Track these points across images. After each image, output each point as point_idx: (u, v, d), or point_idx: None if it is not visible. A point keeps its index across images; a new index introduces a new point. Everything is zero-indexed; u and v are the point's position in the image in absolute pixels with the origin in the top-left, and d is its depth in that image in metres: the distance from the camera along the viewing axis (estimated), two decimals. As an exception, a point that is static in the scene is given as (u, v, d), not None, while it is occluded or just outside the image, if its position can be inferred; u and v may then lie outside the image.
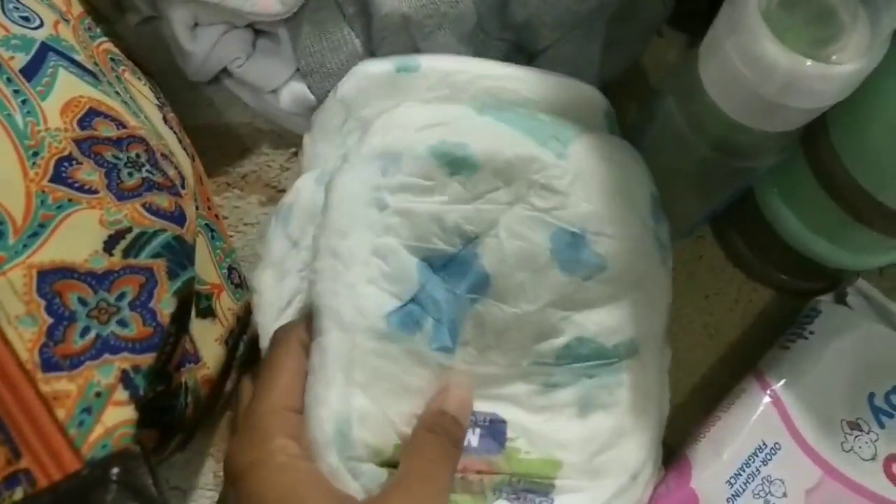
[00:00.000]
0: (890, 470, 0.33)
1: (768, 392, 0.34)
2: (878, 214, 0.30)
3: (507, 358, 0.30)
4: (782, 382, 0.34)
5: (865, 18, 0.25)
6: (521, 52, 0.36)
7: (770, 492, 0.32)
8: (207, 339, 0.30)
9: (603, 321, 0.30)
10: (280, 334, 0.29)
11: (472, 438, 0.29)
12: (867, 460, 0.33)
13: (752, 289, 0.40)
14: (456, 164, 0.29)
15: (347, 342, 0.27)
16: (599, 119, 0.32)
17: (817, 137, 0.30)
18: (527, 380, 0.30)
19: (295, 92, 0.38)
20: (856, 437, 0.33)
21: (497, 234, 0.29)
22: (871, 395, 0.34)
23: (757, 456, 0.32)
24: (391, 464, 0.28)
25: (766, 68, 0.25)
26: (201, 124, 0.40)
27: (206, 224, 0.34)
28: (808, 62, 0.24)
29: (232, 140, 0.40)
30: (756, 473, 0.32)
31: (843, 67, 0.25)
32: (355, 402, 0.27)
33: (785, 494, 0.32)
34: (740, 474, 0.32)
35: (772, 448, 0.33)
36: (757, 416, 0.33)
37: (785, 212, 0.34)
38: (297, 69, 0.38)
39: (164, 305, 0.24)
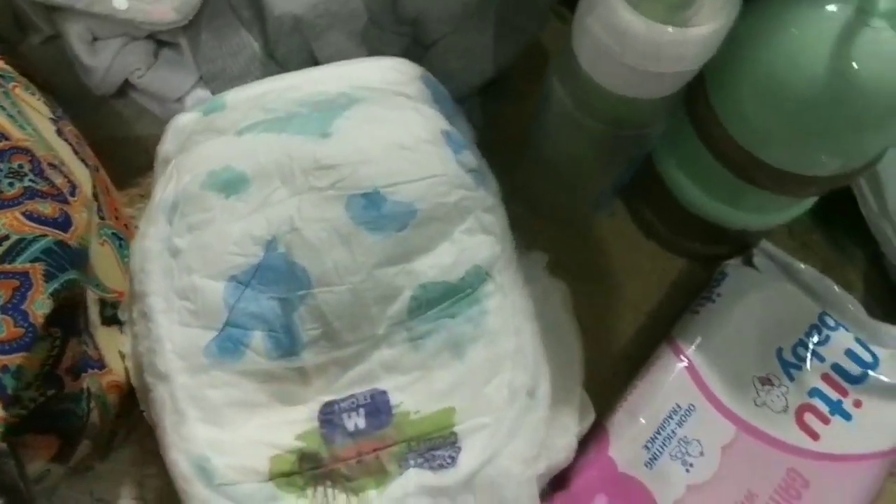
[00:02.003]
0: (802, 419, 0.34)
1: (681, 356, 0.35)
2: (763, 173, 0.31)
3: (360, 333, 0.30)
4: (694, 346, 0.35)
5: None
6: (419, 45, 0.37)
7: (687, 452, 0.33)
8: (112, 347, 0.30)
9: (439, 261, 0.30)
10: None
11: (359, 421, 0.30)
12: (779, 412, 0.34)
13: (666, 259, 0.41)
14: (228, 187, 0.30)
15: (170, 389, 0.29)
16: (415, 84, 0.33)
17: (698, 101, 0.31)
18: (390, 345, 0.30)
19: (200, 99, 0.38)
20: (767, 391, 0.34)
21: (294, 228, 0.29)
22: (780, 350, 0.35)
23: (672, 419, 0.33)
24: (282, 474, 0.29)
25: (627, 39, 0.26)
26: (111, 137, 0.40)
27: (114, 233, 0.34)
28: (667, 28, 0.25)
29: (142, 152, 0.40)
30: (672, 436, 0.33)
31: (699, 30, 0.25)
32: (202, 435, 0.28)
33: (702, 453, 0.33)
34: (656, 438, 0.33)
35: (686, 409, 0.33)
36: (671, 381, 0.34)
37: (682, 179, 0.35)
38: (201, 77, 0.38)
39: (38, 307, 0.24)
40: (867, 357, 0.34)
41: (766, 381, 0.34)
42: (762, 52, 0.28)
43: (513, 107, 0.41)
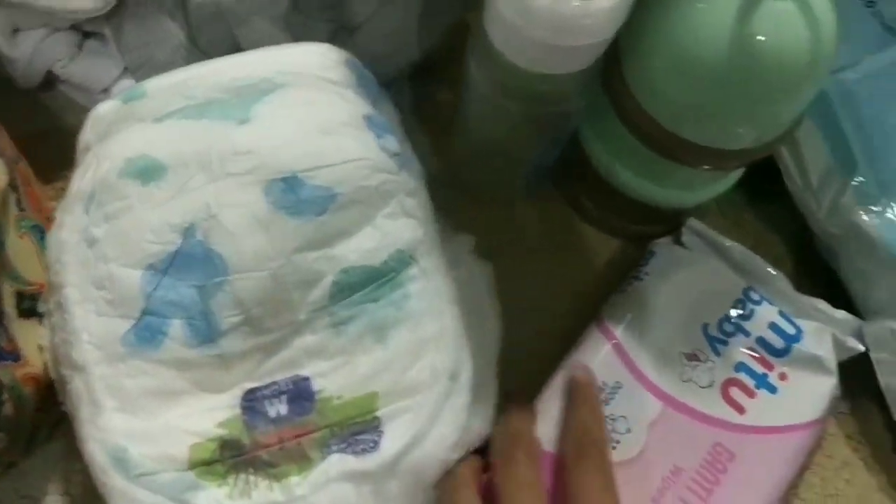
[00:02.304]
0: (727, 394, 0.34)
1: (608, 335, 0.35)
2: (679, 148, 0.31)
3: (281, 319, 0.30)
4: (621, 325, 0.35)
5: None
6: (344, 29, 0.37)
7: (614, 429, 0.33)
8: (30, 339, 0.30)
9: (360, 245, 0.30)
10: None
11: (281, 407, 0.30)
12: (705, 387, 0.34)
13: (600, 239, 0.41)
14: (145, 175, 0.30)
15: (86, 379, 0.28)
16: (339, 69, 0.33)
17: (613, 77, 0.32)
18: (312, 330, 0.30)
19: (126, 89, 0.37)
20: (694, 366, 0.34)
21: (211, 215, 0.29)
22: (706, 326, 0.35)
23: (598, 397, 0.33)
24: (202, 462, 0.29)
25: (532, 13, 0.26)
26: (38, 130, 0.39)
27: (35, 225, 0.33)
28: (571, 1, 0.25)
29: (69, 145, 0.39)
30: None
31: (603, 1, 0.26)
32: (119, 425, 0.28)
33: (628, 430, 0.33)
34: None
35: (613, 387, 0.34)
36: (598, 360, 0.34)
37: (607, 157, 0.36)
38: (126, 67, 0.38)
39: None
40: (791, 330, 0.35)
41: (693, 357, 0.34)
42: (670, 26, 0.29)
43: (443, 90, 0.41)
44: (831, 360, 0.35)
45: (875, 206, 0.35)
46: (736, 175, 0.37)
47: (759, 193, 0.42)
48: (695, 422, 0.33)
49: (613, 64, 0.31)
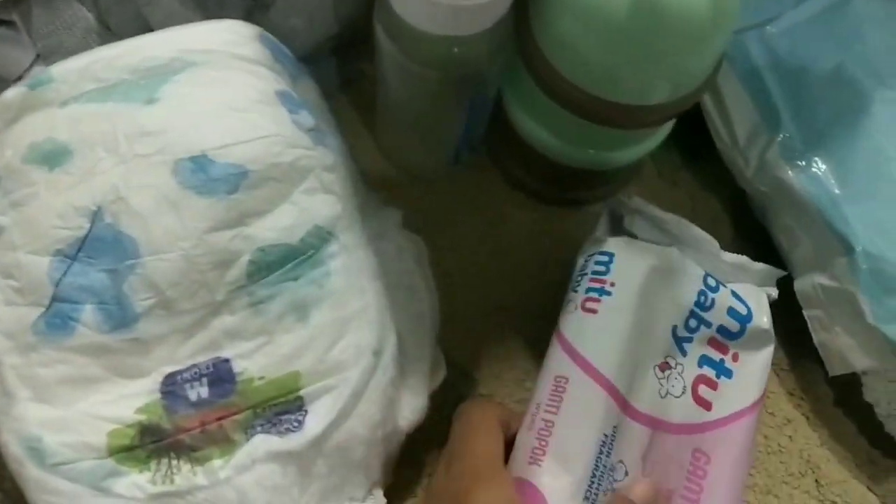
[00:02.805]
0: (697, 394, 0.32)
1: (602, 383, 0.30)
2: (595, 106, 0.31)
3: (197, 300, 0.29)
4: (603, 357, 0.30)
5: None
6: (259, 5, 0.36)
7: (614, 479, 0.30)
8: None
9: (277, 223, 0.29)
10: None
11: (202, 390, 0.29)
12: (680, 396, 0.32)
13: (533, 208, 0.41)
14: (51, 159, 0.29)
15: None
16: (252, 45, 0.32)
17: (524, 38, 0.31)
18: (231, 311, 0.30)
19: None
20: (667, 377, 0.32)
21: (120, 197, 0.28)
22: (675, 328, 0.32)
23: (602, 453, 0.30)
24: (122, 448, 0.28)
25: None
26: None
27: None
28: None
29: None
30: (603, 473, 0.30)
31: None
32: (33, 415, 0.28)
33: (626, 473, 0.30)
34: (592, 484, 0.29)
35: (611, 437, 0.30)
36: (596, 414, 0.30)
37: (530, 123, 0.35)
38: (38, 54, 0.37)
39: None
40: (743, 310, 0.33)
41: (665, 367, 0.32)
42: (575, -17, 0.28)
43: (370, 65, 0.40)
44: (771, 327, 0.33)
45: (800, 160, 0.35)
46: (663, 134, 0.37)
47: (694, 153, 0.42)
48: (676, 437, 0.31)
49: (524, 23, 0.31)
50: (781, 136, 0.36)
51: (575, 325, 0.32)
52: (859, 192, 0.34)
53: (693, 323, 0.32)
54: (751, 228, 0.40)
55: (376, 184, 0.38)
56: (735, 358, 0.33)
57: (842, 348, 0.35)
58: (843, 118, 0.35)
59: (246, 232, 0.30)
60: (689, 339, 0.32)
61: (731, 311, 0.33)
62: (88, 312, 0.29)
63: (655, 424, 0.31)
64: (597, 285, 0.32)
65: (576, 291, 0.32)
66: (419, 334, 0.34)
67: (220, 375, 0.30)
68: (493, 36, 0.29)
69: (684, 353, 0.32)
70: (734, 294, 0.33)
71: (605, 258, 0.33)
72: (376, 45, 0.32)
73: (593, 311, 0.31)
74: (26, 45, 0.37)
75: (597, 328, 0.31)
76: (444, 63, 0.30)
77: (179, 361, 0.30)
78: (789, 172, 0.35)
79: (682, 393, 0.32)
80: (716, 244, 0.34)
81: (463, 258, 0.39)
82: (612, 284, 0.32)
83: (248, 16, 0.36)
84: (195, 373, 0.30)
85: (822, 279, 0.35)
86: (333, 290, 0.30)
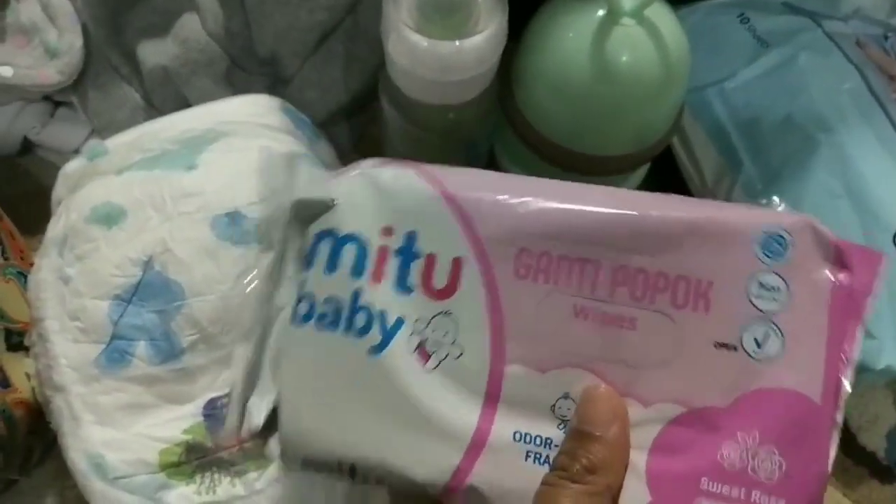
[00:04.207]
0: None
1: None
2: (569, 157, 0.35)
3: (234, 334, 0.33)
4: None
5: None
6: (279, 81, 0.42)
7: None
8: (17, 369, 0.34)
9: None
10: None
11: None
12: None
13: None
14: (110, 219, 0.34)
15: (66, 398, 0.33)
16: (275, 115, 0.37)
17: (508, 102, 0.36)
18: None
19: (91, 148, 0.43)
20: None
21: (167, 249, 0.33)
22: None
23: None
24: (171, 464, 0.33)
25: (416, 56, 0.31)
26: (22, 191, 0.44)
27: (19, 272, 0.38)
28: (446, 43, 0.30)
29: (49, 203, 0.44)
30: None
31: (473, 40, 0.30)
32: (96, 436, 0.32)
33: None
34: None
35: None
36: None
37: (518, 173, 0.40)
38: (93, 129, 0.43)
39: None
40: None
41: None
42: (547, 55, 0.33)
43: (378, 127, 0.46)
44: None
45: (761, 199, 0.39)
46: (639, 178, 0.41)
47: (674, 192, 0.46)
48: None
49: (507, 89, 0.36)
50: (743, 177, 0.40)
51: None
52: (811, 225, 0.38)
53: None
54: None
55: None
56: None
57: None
58: (794, 160, 0.39)
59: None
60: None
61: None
62: (142, 348, 0.33)
63: None
64: None
65: None
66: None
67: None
68: (482, 101, 0.35)
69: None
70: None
71: None
72: (382, 111, 0.37)
73: None
74: (82, 121, 0.43)
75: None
76: (441, 126, 0.35)
77: (219, 388, 0.34)
78: (750, 209, 0.39)
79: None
80: None
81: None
82: None
83: (271, 90, 0.42)
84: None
85: (785, 304, 0.39)
86: None
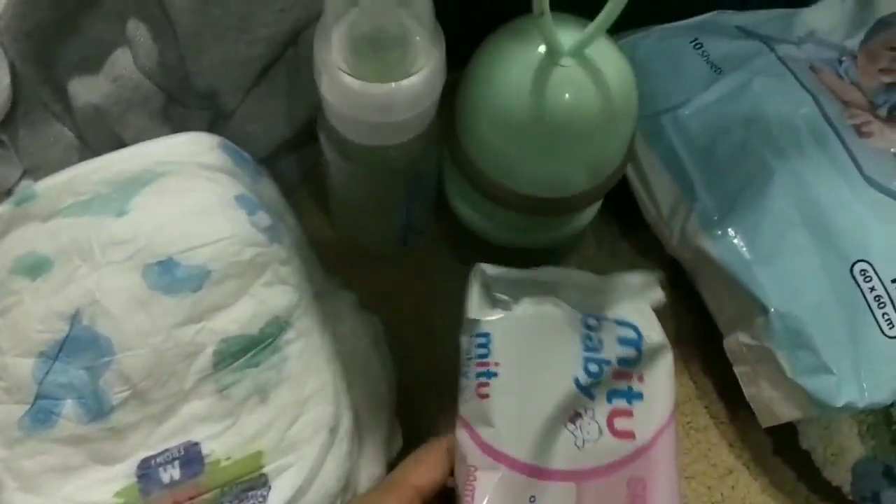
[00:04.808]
0: (614, 428, 0.32)
1: (499, 458, 0.31)
2: (516, 199, 0.34)
3: (167, 389, 0.32)
4: (506, 438, 0.31)
5: (427, 36, 0.30)
6: (221, 115, 0.40)
7: None
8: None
9: (238, 316, 0.32)
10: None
11: (174, 473, 0.32)
12: (597, 439, 0.32)
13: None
14: (34, 270, 0.32)
15: None
16: (214, 153, 0.36)
17: (452, 142, 0.35)
18: (199, 397, 0.32)
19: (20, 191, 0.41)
20: (580, 426, 0.32)
21: (95, 300, 0.32)
22: (577, 380, 0.32)
23: None
24: None
25: (349, 98, 0.30)
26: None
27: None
28: (378, 85, 0.29)
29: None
30: None
31: (407, 82, 0.29)
32: (18, 501, 0.31)
33: None
34: None
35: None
36: (499, 490, 0.31)
37: (466, 210, 0.39)
38: (25, 169, 0.41)
39: None
40: (632, 334, 0.33)
41: (576, 417, 0.32)
42: (488, 95, 0.32)
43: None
44: (664, 336, 0.34)
45: (716, 229, 0.38)
46: (592, 213, 0.40)
47: (631, 223, 0.45)
48: (606, 476, 0.31)
49: (451, 126, 0.35)
50: (698, 207, 0.39)
51: (474, 411, 0.32)
52: (768, 256, 0.37)
53: (593, 367, 0.33)
54: (687, 291, 0.43)
55: (335, 265, 0.42)
56: (641, 378, 0.33)
57: (769, 401, 0.38)
58: (750, 188, 0.38)
59: (210, 325, 0.33)
60: (596, 383, 0.33)
61: (622, 340, 0.33)
62: (69, 407, 0.32)
63: (579, 476, 0.31)
64: (483, 368, 0.33)
65: (467, 378, 0.34)
66: (375, 408, 0.37)
67: (191, 458, 0.33)
68: (423, 139, 0.33)
69: (592, 397, 0.32)
70: (618, 322, 0.34)
71: (484, 339, 0.33)
72: (321, 147, 0.36)
73: (486, 396, 0.32)
74: (14, 161, 0.41)
75: (492, 411, 0.32)
76: (381, 164, 0.34)
77: (153, 447, 0.33)
78: (707, 241, 0.38)
79: (599, 434, 0.32)
80: (588, 274, 0.35)
81: (419, 331, 0.43)
82: (497, 364, 0.33)
83: (212, 124, 0.40)
84: (167, 457, 0.33)
85: (745, 338, 0.38)
86: (290, 374, 0.33)
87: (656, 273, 0.35)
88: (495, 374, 0.33)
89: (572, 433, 0.32)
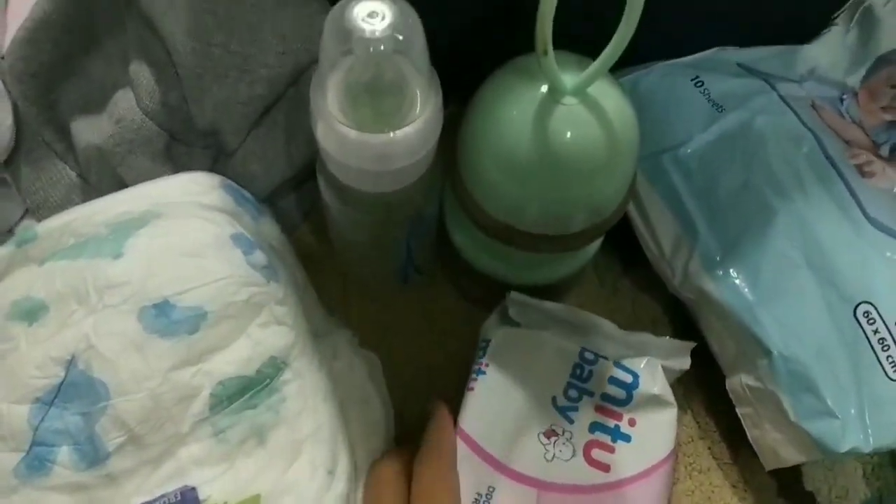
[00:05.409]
0: (591, 457, 0.35)
1: (467, 441, 0.35)
2: (520, 237, 0.34)
3: (163, 433, 0.32)
4: (476, 426, 0.35)
5: (423, 82, 0.30)
6: (223, 154, 0.41)
7: None
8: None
9: (235, 358, 0.32)
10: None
11: None
12: (570, 459, 0.35)
13: (483, 318, 0.43)
14: (30, 315, 0.32)
15: None
16: (215, 193, 0.36)
17: (456, 183, 0.35)
18: (196, 440, 0.32)
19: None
20: (554, 443, 0.35)
21: (91, 345, 0.31)
22: (554, 399, 0.36)
23: None
24: None
25: (346, 147, 0.29)
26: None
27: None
28: (375, 135, 0.29)
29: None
30: None
31: (404, 131, 0.29)
32: None
33: None
34: None
35: (487, 494, 0.34)
36: (463, 470, 0.34)
37: (470, 248, 0.39)
38: (27, 208, 0.41)
39: None
40: (628, 378, 0.36)
41: (551, 434, 0.35)
42: (492, 136, 0.32)
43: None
44: (668, 393, 0.36)
45: (718, 270, 0.38)
46: (593, 249, 0.40)
47: (633, 260, 0.45)
48: (569, 495, 0.34)
49: (454, 167, 0.35)
50: (700, 247, 0.39)
51: (462, 402, 0.36)
52: (770, 298, 0.37)
53: (573, 393, 0.36)
54: (689, 330, 0.43)
55: (336, 303, 0.42)
56: (632, 423, 0.36)
57: (772, 444, 0.37)
58: (752, 228, 0.38)
59: (206, 368, 0.33)
60: (574, 409, 0.36)
61: (614, 380, 0.36)
62: (64, 454, 0.31)
63: (541, 486, 0.34)
64: (477, 367, 0.37)
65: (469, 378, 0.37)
66: (373, 443, 0.37)
67: (188, 503, 0.32)
68: (423, 183, 0.33)
69: (571, 421, 0.36)
70: (618, 365, 0.37)
71: (484, 344, 0.38)
72: (320, 190, 0.36)
73: (472, 389, 0.36)
74: (16, 200, 0.41)
75: (472, 403, 0.36)
76: (381, 209, 0.34)
77: (149, 492, 0.32)
78: (709, 282, 0.38)
79: (572, 456, 0.35)
80: (613, 326, 0.38)
81: (419, 369, 0.42)
82: (487, 365, 0.36)
83: (214, 163, 0.40)
84: (164, 502, 0.32)
85: (748, 380, 0.38)
86: (288, 415, 0.33)
87: (688, 344, 0.38)
88: (483, 373, 0.36)
89: (545, 446, 0.35)
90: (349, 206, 0.34)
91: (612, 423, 0.36)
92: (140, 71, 0.38)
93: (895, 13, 0.45)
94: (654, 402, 0.36)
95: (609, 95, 0.31)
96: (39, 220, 0.41)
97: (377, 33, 0.26)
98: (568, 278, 0.41)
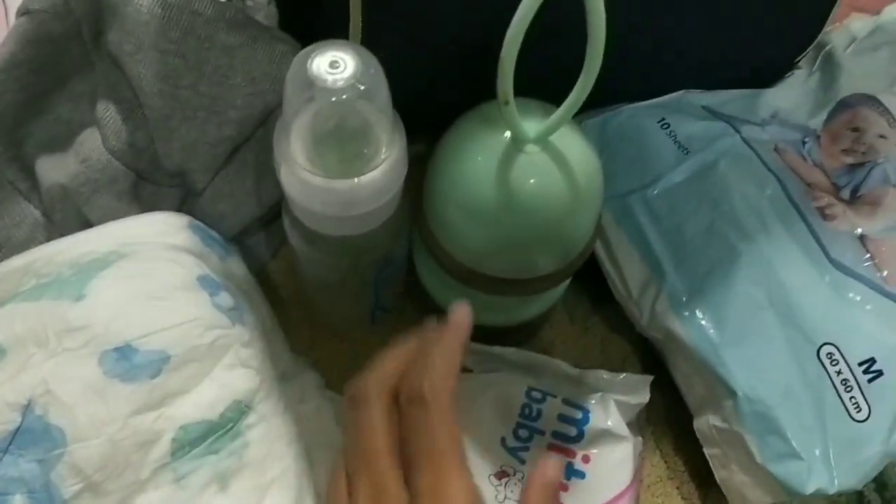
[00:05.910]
0: None
1: None
2: (483, 280, 0.34)
3: (122, 481, 0.31)
4: None
5: (387, 126, 0.30)
6: (191, 194, 0.40)
7: None
8: None
9: (198, 401, 0.32)
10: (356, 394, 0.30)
11: None
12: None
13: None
14: None
15: None
16: (182, 234, 0.36)
17: (422, 227, 0.35)
18: (156, 487, 0.31)
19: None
20: (505, 483, 0.35)
21: (48, 390, 0.31)
22: (503, 440, 0.36)
23: None
24: None
25: (310, 192, 0.29)
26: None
27: None
28: (339, 181, 0.29)
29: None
30: None
31: (368, 177, 0.29)
32: None
33: None
34: None
35: None
36: None
37: (439, 290, 0.39)
38: (-10, 248, 0.41)
39: None
40: (577, 414, 0.36)
41: (502, 475, 0.35)
42: (456, 182, 0.32)
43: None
44: (621, 427, 0.36)
45: (685, 311, 0.38)
46: (561, 290, 0.40)
47: (603, 298, 0.45)
48: None
49: (422, 217, 0.35)
50: (667, 288, 0.39)
51: None
52: (735, 339, 0.37)
53: (523, 433, 0.36)
54: (659, 369, 0.43)
55: (304, 343, 0.42)
56: (586, 459, 0.36)
57: (739, 485, 0.37)
58: (717, 270, 0.38)
59: (168, 412, 0.32)
60: (524, 448, 0.36)
61: (563, 418, 0.36)
62: (18, 502, 0.31)
63: None
64: None
65: None
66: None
67: None
68: (390, 226, 0.33)
69: (522, 461, 0.36)
70: (566, 402, 0.37)
71: None
72: (286, 232, 0.36)
73: None
74: (-20, 239, 0.40)
75: None
76: (347, 252, 0.34)
77: None
78: (676, 322, 0.38)
79: None
80: (566, 365, 0.38)
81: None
82: None
83: (182, 202, 0.40)
84: None
85: (715, 420, 0.38)
86: (252, 460, 0.33)
87: (646, 378, 0.38)
88: None
89: (495, 488, 0.35)
90: (315, 248, 0.34)
91: (565, 460, 0.36)
92: (107, 110, 0.37)
93: (856, 58, 0.46)
94: (608, 436, 0.36)
95: (572, 143, 0.32)
96: (1, 259, 0.40)
97: (339, 83, 0.27)
98: (537, 318, 0.41)
